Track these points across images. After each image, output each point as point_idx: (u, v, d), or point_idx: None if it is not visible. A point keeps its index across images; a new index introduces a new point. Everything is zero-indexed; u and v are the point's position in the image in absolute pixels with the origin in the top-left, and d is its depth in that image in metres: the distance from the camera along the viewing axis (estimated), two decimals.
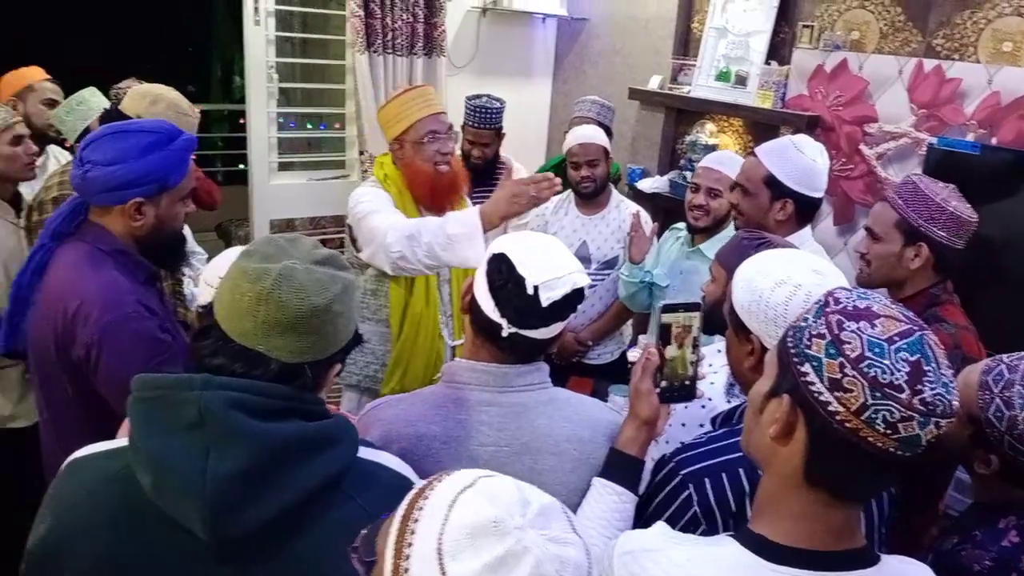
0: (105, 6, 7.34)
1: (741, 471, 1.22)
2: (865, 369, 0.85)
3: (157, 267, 1.81)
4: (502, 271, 1.30)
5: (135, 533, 0.98)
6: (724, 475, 1.23)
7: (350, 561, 0.95)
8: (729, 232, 2.62)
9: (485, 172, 3.32)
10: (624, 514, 1.29)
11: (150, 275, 1.78)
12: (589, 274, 2.99)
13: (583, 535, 0.74)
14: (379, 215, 2.28)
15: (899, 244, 1.99)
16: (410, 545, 0.73)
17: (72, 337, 1.61)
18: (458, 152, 3.41)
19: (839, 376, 0.87)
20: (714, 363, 1.64)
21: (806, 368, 0.90)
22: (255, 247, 1.06)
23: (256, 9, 3.60)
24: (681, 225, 2.82)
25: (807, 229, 2.26)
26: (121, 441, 1.04)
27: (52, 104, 3.10)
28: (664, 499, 1.27)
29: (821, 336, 0.90)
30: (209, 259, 2.56)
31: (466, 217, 2.15)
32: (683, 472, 1.26)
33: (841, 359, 0.87)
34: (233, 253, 1.46)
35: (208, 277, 1.45)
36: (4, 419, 2.57)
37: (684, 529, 1.20)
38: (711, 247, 2.61)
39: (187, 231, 2.57)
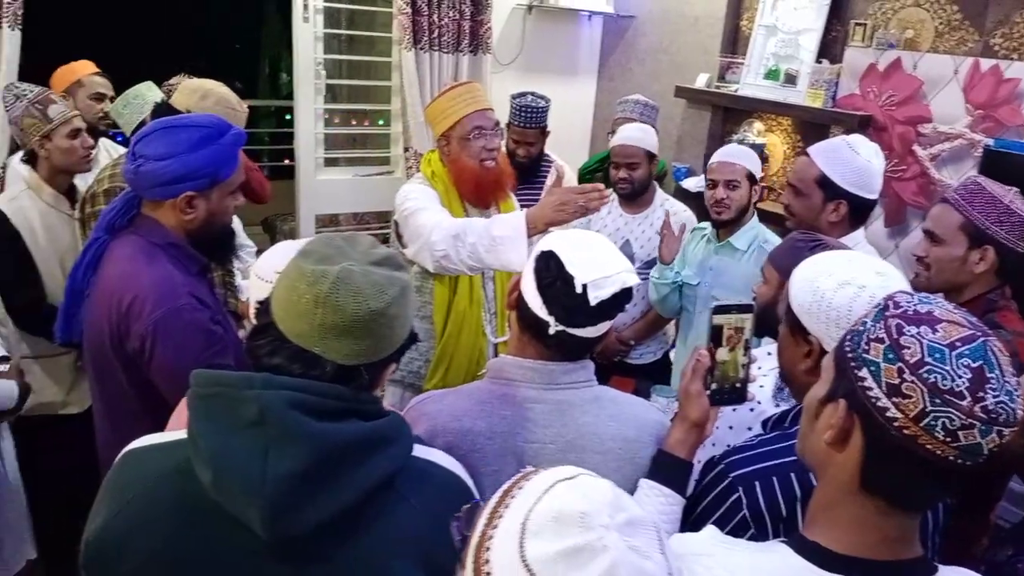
0: (158, 3, 7.50)
1: (792, 475, 1.20)
2: (925, 375, 0.83)
3: (208, 260, 1.84)
4: (551, 269, 1.30)
5: (194, 528, 0.99)
6: (775, 479, 1.21)
7: (402, 560, 0.96)
8: (753, 222, 2.66)
9: (529, 170, 3.32)
10: (671, 516, 1.27)
11: (202, 267, 1.81)
12: None
13: (671, 560, 0.74)
14: (426, 213, 2.30)
15: (963, 247, 1.93)
16: (500, 517, 0.76)
17: (127, 330, 1.63)
18: (503, 150, 3.42)
19: (897, 381, 0.85)
20: (763, 366, 1.62)
21: (864, 373, 0.88)
22: (313, 247, 1.06)
23: (305, 6, 3.65)
24: (705, 224, 2.83)
25: (860, 231, 2.22)
26: (178, 434, 1.04)
27: (101, 98, 3.16)
28: (712, 501, 1.26)
29: (880, 340, 0.87)
30: (258, 253, 2.60)
31: (512, 220, 2.15)
32: (733, 475, 1.24)
33: (900, 364, 0.85)
34: (283, 247, 1.47)
35: (259, 271, 1.46)
36: (56, 405, 2.64)
37: (732, 532, 1.18)
38: (739, 239, 2.63)
39: (237, 224, 2.61)
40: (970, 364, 0.83)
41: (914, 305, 0.89)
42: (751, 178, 2.62)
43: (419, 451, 1.10)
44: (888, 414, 0.85)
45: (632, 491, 1.31)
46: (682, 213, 3.08)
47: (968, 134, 2.91)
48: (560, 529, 0.71)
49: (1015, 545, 1.34)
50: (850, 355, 0.91)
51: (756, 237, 2.63)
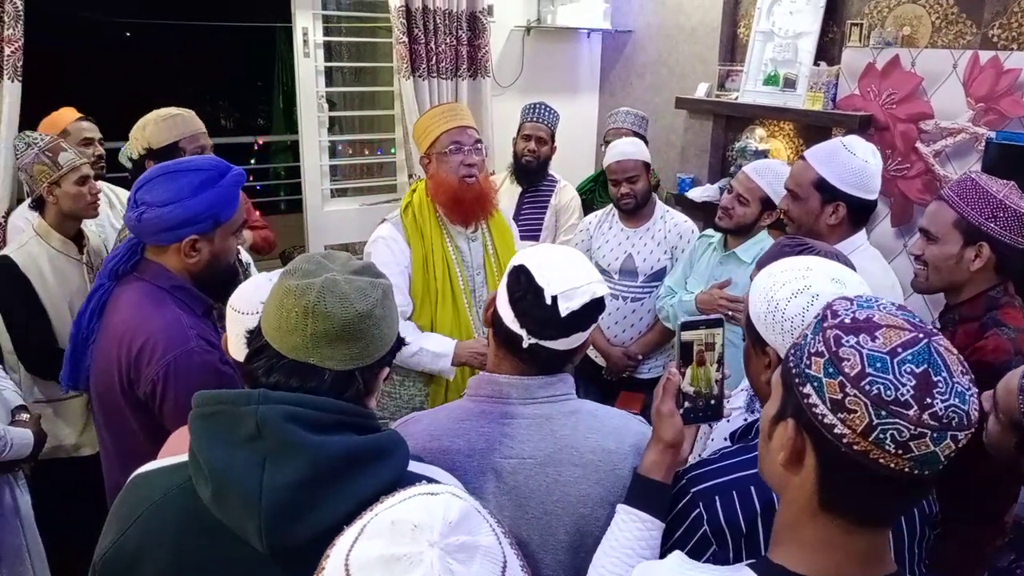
0: (182, 45, 7.65)
1: (752, 489, 1.17)
2: (866, 387, 0.80)
3: (213, 301, 1.85)
4: (521, 282, 1.30)
5: (199, 542, 1.02)
6: (735, 493, 1.18)
7: None
8: (761, 236, 2.63)
9: (537, 175, 3.48)
10: (650, 542, 1.22)
11: (207, 308, 1.83)
12: (636, 287, 3.01)
13: None
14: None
15: (958, 245, 1.88)
16: (361, 517, 0.78)
17: (137, 375, 1.65)
18: (509, 162, 3.52)
19: (840, 396, 0.81)
20: None
21: (808, 389, 0.85)
22: (294, 266, 1.11)
23: (305, 41, 3.71)
24: (711, 233, 2.81)
25: (861, 233, 2.18)
26: (181, 456, 1.08)
27: (89, 143, 3.08)
28: (675, 518, 1.23)
29: (820, 354, 0.84)
30: None
31: (445, 343, 2.34)
32: (694, 490, 1.21)
33: (841, 378, 0.81)
34: (255, 281, 1.50)
35: (234, 303, 1.48)
36: (69, 448, 2.67)
37: (695, 548, 1.17)
38: (746, 251, 2.61)
39: (249, 259, 2.64)
40: (914, 370, 0.79)
41: (852, 312, 0.86)
42: (766, 202, 2.56)
43: (416, 467, 1.12)
44: (836, 431, 0.82)
45: (615, 503, 1.28)
46: (683, 224, 3.07)
47: (971, 128, 2.87)
48: (391, 536, 0.71)
49: (1016, 550, 1.29)
50: (794, 371, 0.88)
51: (762, 251, 2.59)
